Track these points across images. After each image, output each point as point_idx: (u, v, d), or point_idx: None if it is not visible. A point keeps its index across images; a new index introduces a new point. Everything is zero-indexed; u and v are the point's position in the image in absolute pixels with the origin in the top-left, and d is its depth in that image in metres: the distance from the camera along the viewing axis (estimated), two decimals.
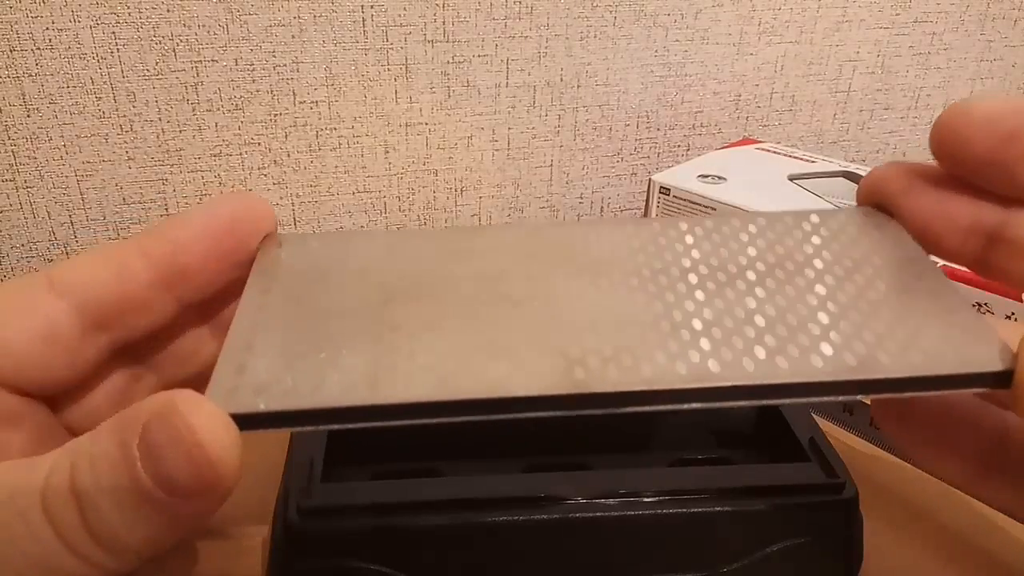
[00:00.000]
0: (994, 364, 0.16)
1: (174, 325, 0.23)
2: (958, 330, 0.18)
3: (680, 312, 0.19)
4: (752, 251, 0.20)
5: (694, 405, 0.17)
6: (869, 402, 0.24)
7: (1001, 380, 0.16)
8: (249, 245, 0.21)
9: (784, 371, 0.17)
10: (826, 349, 0.17)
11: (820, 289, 0.19)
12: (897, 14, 0.55)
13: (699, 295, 0.19)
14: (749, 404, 0.17)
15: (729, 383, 0.17)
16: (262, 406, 0.17)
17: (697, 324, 0.18)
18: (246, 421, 0.17)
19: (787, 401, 0.17)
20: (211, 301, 0.23)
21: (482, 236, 0.22)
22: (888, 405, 0.22)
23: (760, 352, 0.17)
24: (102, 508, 0.17)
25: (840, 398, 0.17)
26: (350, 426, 0.17)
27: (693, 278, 0.20)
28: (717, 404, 0.17)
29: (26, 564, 0.17)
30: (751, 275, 0.20)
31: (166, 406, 0.17)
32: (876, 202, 0.21)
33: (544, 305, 0.20)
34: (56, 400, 0.22)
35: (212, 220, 0.21)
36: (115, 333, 0.21)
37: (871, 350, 0.17)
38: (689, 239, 0.21)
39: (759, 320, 0.18)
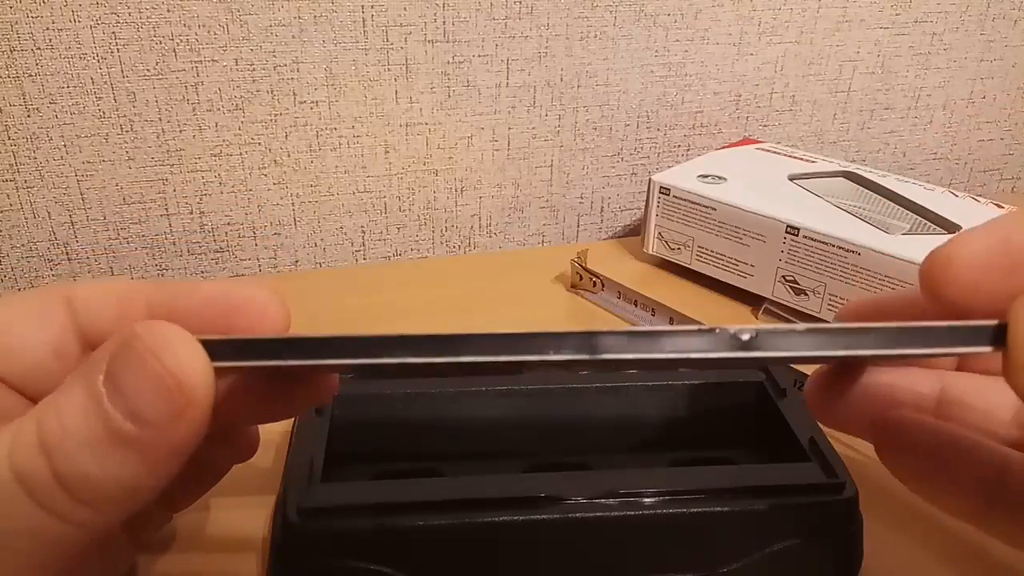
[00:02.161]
0: (988, 321, 0.16)
1: None
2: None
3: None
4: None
5: (682, 354, 0.16)
6: (873, 444, 0.24)
7: (996, 337, 0.16)
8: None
9: (778, 329, 0.17)
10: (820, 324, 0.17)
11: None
12: (897, 14, 0.55)
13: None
14: (737, 355, 0.17)
15: (719, 325, 0.17)
16: (233, 335, 0.17)
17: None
18: (214, 349, 0.17)
19: (776, 354, 0.17)
20: None
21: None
22: (891, 441, 0.22)
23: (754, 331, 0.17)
24: (72, 456, 0.16)
25: (831, 353, 0.17)
26: (328, 362, 0.17)
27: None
28: (706, 354, 0.16)
29: (2, 532, 0.17)
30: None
31: (128, 334, 0.17)
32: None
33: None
34: None
35: (218, 300, 0.21)
36: None
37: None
38: None
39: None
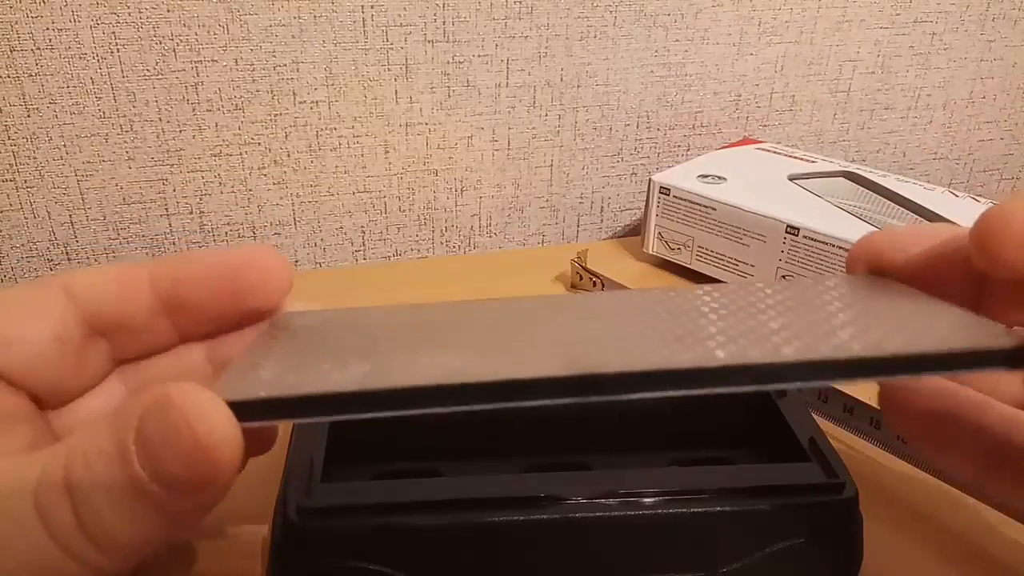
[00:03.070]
0: (1005, 342, 0.16)
1: (174, 349, 0.23)
2: (967, 324, 0.18)
3: (689, 328, 0.19)
4: (768, 299, 0.21)
5: (697, 391, 0.16)
6: (878, 404, 0.24)
7: (1012, 359, 0.16)
8: (252, 295, 0.21)
9: (789, 354, 0.17)
10: (836, 339, 0.17)
11: (831, 308, 0.19)
12: (897, 14, 0.55)
13: (712, 317, 0.19)
14: (756, 388, 0.17)
15: (735, 363, 0.16)
16: (262, 393, 0.17)
17: (706, 333, 0.18)
18: (246, 410, 0.17)
19: (794, 385, 0.17)
20: (213, 334, 0.23)
21: (490, 303, 0.22)
22: (895, 402, 0.23)
23: (767, 345, 0.17)
24: (97, 506, 0.17)
25: (851, 380, 0.17)
26: (353, 417, 0.17)
27: (705, 311, 0.20)
28: (721, 389, 0.16)
29: (18, 566, 0.17)
30: (765, 309, 0.20)
31: (162, 398, 0.17)
32: (868, 267, 0.22)
33: (547, 332, 0.20)
34: (55, 404, 0.22)
35: (220, 264, 0.21)
36: (115, 344, 0.22)
37: (881, 339, 0.17)
38: (701, 294, 0.21)
39: (768, 327, 0.18)
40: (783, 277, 0.42)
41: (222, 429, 0.16)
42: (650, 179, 0.46)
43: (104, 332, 0.22)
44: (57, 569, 0.17)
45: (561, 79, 0.50)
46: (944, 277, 0.20)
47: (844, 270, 0.23)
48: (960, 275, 0.20)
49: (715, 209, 0.43)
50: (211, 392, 0.17)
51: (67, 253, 0.46)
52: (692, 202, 0.44)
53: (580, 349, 0.18)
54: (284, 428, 0.30)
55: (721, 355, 0.17)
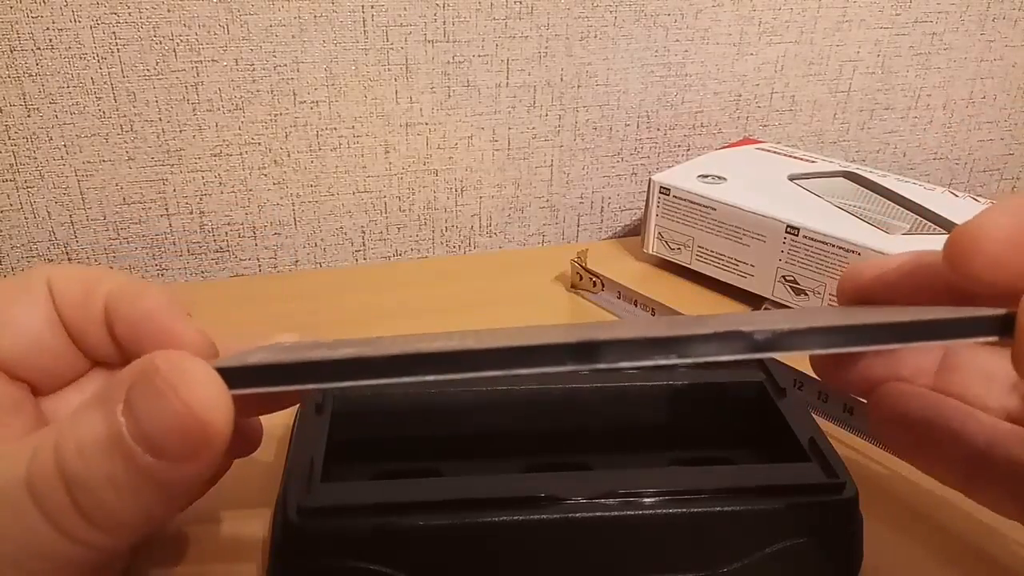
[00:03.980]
0: (994, 311, 0.16)
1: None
2: (956, 309, 0.18)
3: (688, 323, 0.19)
4: (764, 312, 0.21)
5: (694, 359, 0.17)
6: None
7: (1003, 326, 0.16)
8: None
9: (782, 325, 0.17)
10: (828, 316, 0.18)
11: (823, 314, 0.20)
12: (897, 14, 0.55)
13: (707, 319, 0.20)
14: (748, 356, 0.17)
15: (728, 329, 0.17)
16: (253, 360, 0.17)
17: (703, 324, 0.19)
18: (236, 376, 0.17)
19: (787, 352, 0.17)
20: None
21: (484, 330, 0.23)
22: (882, 408, 0.23)
23: (761, 320, 0.18)
24: (90, 484, 0.17)
25: (844, 348, 0.17)
26: (347, 384, 0.17)
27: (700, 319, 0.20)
28: (717, 357, 0.17)
29: (16, 550, 0.17)
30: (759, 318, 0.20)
31: (148, 366, 0.17)
32: (854, 291, 0.23)
33: (542, 331, 0.20)
34: (50, 389, 0.22)
35: (146, 320, 0.21)
36: (84, 343, 0.22)
37: (874, 315, 0.18)
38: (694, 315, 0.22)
39: (763, 318, 0.19)
40: (783, 277, 0.42)
41: (210, 395, 0.16)
42: (650, 179, 0.46)
43: (71, 330, 0.22)
44: (55, 551, 0.17)
45: (561, 79, 0.50)
46: (923, 290, 0.21)
47: (843, 270, 0.24)
48: (938, 289, 0.21)
49: (715, 209, 0.43)
50: (199, 358, 0.17)
51: (67, 253, 0.46)
52: (692, 202, 0.44)
53: (577, 331, 0.19)
54: (283, 427, 0.30)
55: (715, 326, 0.17)
